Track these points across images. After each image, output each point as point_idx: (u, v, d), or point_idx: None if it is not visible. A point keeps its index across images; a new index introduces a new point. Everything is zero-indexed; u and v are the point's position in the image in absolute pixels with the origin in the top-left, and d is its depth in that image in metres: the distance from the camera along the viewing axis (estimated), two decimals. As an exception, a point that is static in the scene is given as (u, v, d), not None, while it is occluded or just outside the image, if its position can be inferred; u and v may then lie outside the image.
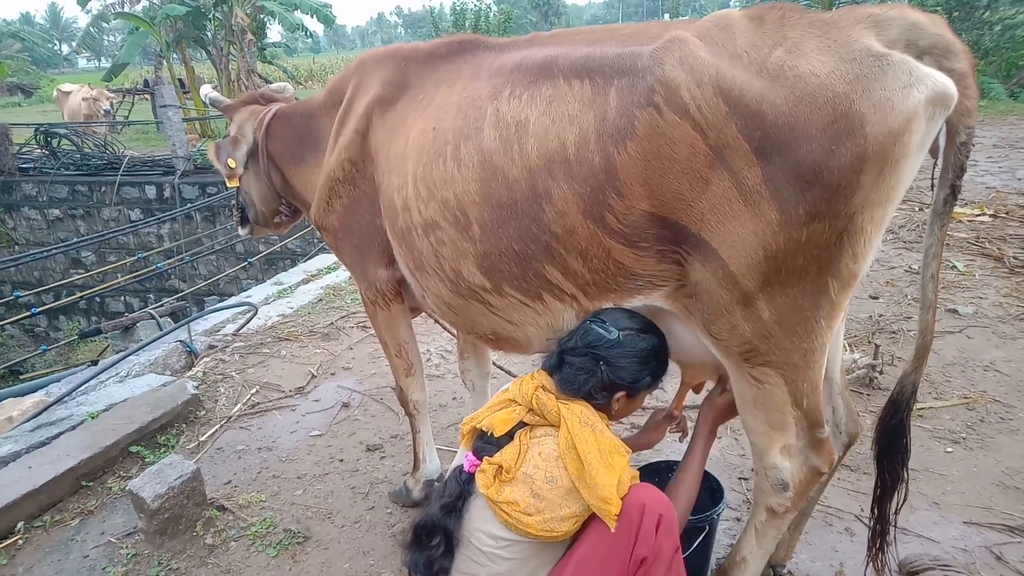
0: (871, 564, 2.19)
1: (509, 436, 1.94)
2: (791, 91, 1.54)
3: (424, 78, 2.41)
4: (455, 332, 3.41)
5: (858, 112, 1.49)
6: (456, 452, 3.46)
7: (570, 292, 2.00)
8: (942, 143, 1.67)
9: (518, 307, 2.13)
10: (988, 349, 4.19)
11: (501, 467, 1.86)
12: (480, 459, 1.92)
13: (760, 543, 2.13)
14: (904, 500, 2.09)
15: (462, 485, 1.93)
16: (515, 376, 3.92)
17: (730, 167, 1.62)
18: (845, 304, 1.75)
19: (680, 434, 2.43)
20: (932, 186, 1.77)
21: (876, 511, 2.14)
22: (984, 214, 6.69)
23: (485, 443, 1.96)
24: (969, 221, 6.53)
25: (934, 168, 1.74)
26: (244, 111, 3.17)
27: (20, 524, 3.01)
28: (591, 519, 1.84)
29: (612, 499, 1.76)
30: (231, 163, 3.05)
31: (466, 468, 1.94)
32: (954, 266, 5.50)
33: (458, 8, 23.62)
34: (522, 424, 1.95)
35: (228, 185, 3.15)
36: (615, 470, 1.81)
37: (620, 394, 1.96)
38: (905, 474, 2.07)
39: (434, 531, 1.91)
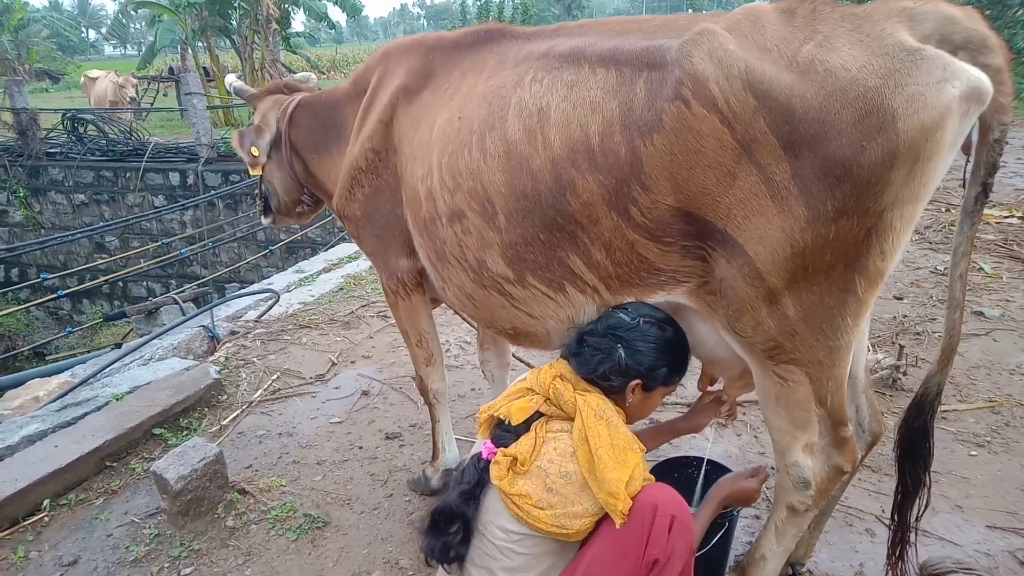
0: (891, 571, 2.16)
1: (526, 425, 1.93)
2: (821, 85, 1.53)
3: (450, 68, 2.41)
4: (474, 322, 3.42)
5: (890, 107, 1.47)
6: (474, 442, 3.49)
7: (592, 284, 1.99)
8: (975, 140, 1.64)
9: (540, 299, 2.12)
10: (1014, 352, 4.13)
11: (516, 459, 1.85)
12: (498, 447, 1.92)
13: (780, 541, 2.12)
14: (926, 507, 2.06)
15: (480, 472, 1.94)
16: (534, 368, 3.93)
17: (758, 162, 1.61)
18: (871, 302, 1.73)
19: (729, 419, 2.40)
20: (962, 185, 1.74)
21: (896, 516, 2.11)
22: (1013, 216, 6.59)
23: (503, 431, 1.96)
24: (997, 223, 6.43)
25: (965, 167, 1.72)
26: (268, 100, 3.20)
27: (46, 502, 3.07)
28: (604, 519, 1.83)
29: (620, 495, 1.75)
30: (254, 151, 3.08)
31: (484, 455, 1.94)
32: (981, 268, 5.41)
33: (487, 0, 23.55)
34: (539, 414, 1.95)
35: (251, 173, 3.18)
36: (627, 466, 1.80)
37: (635, 383, 1.95)
38: (927, 479, 2.04)
39: (453, 517, 1.93)
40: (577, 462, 1.82)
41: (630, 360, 1.92)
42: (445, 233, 2.25)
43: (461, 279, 2.31)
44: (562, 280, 2.03)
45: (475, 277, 2.24)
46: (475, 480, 1.94)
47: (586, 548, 1.87)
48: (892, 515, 2.13)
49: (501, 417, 1.97)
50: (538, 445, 1.88)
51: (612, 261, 1.91)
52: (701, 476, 2.43)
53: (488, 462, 1.93)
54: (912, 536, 2.10)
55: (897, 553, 2.12)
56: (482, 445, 2.00)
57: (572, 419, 1.90)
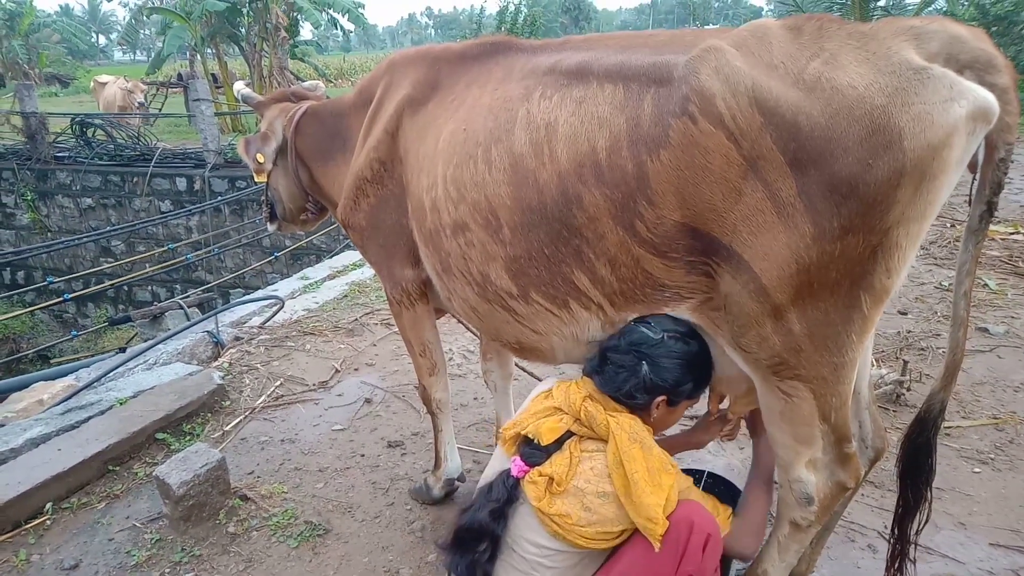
0: None
1: (556, 444, 1.92)
2: (828, 103, 1.53)
3: (455, 79, 2.42)
4: (479, 333, 3.42)
5: (896, 126, 1.47)
6: (477, 452, 3.49)
7: (597, 301, 1.99)
8: (980, 158, 1.65)
9: (544, 315, 2.13)
10: (1019, 369, 4.12)
11: (552, 479, 1.84)
12: (529, 465, 1.91)
13: (782, 556, 2.11)
14: (927, 521, 2.06)
15: (509, 490, 1.92)
16: (538, 378, 3.93)
17: (764, 179, 1.61)
18: (877, 319, 1.73)
19: (729, 438, 2.40)
20: (967, 202, 1.74)
21: (896, 531, 2.11)
22: (1018, 232, 6.59)
23: (533, 449, 1.93)
24: (1003, 239, 6.43)
25: (972, 184, 1.72)
26: (275, 108, 3.22)
27: (48, 505, 3.08)
28: (636, 531, 1.82)
29: (658, 519, 1.75)
30: (260, 158, 3.10)
31: (514, 473, 1.93)
32: (986, 284, 5.40)
33: (504, 8, 23.52)
34: (569, 433, 1.93)
35: (256, 180, 3.21)
36: (663, 489, 1.80)
37: (660, 399, 1.94)
38: (929, 494, 2.03)
39: (482, 535, 1.91)
40: (613, 485, 1.82)
41: (655, 377, 1.91)
42: (450, 245, 2.26)
43: (466, 292, 2.32)
44: (566, 296, 2.03)
45: (479, 291, 2.25)
46: (505, 498, 1.93)
47: (615, 560, 1.87)
48: (892, 529, 2.13)
49: (530, 436, 1.95)
50: (574, 464, 1.87)
51: (617, 277, 1.91)
52: (701, 488, 2.43)
53: (517, 480, 1.92)
54: (912, 551, 2.10)
55: (896, 566, 2.12)
56: (509, 462, 1.98)
57: (605, 439, 1.89)
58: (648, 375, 1.91)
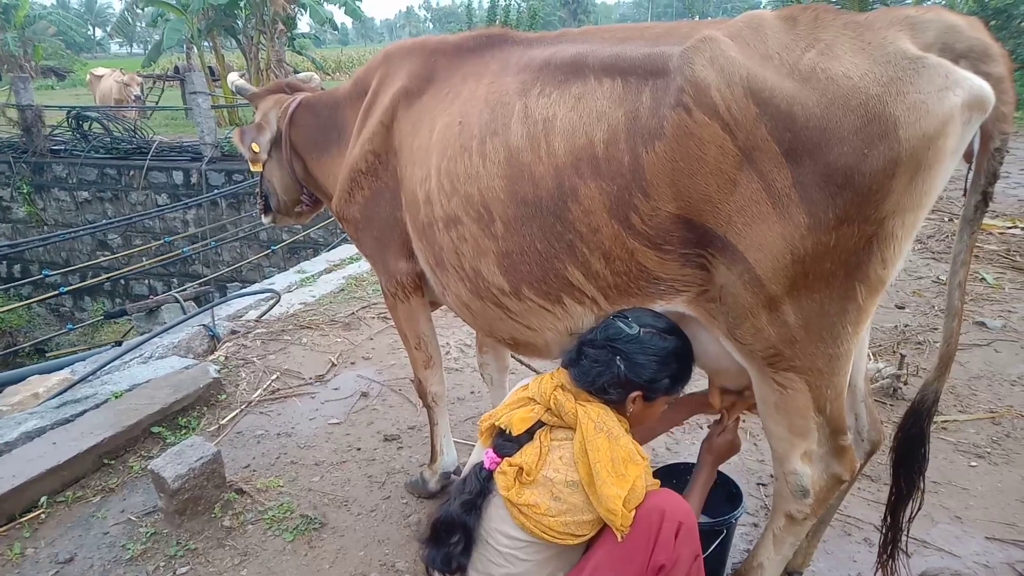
0: (881, 572, 2.16)
1: (529, 435, 1.92)
2: (823, 93, 1.52)
3: (451, 71, 2.41)
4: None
5: (892, 115, 1.46)
6: (473, 446, 3.48)
7: (591, 295, 1.98)
8: (976, 148, 1.64)
9: (537, 311, 2.12)
10: (1016, 363, 4.12)
11: (522, 469, 1.84)
12: (501, 457, 1.91)
13: (778, 549, 2.11)
14: (919, 509, 2.07)
15: (482, 482, 1.92)
16: (535, 371, 3.93)
17: (759, 169, 1.60)
18: (872, 310, 1.72)
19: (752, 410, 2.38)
20: (964, 194, 1.74)
21: (889, 519, 2.11)
22: (1016, 226, 6.58)
23: (505, 441, 1.94)
24: (1000, 233, 6.42)
25: (967, 177, 1.71)
26: (269, 99, 3.20)
27: (43, 499, 3.07)
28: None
29: (617, 511, 1.74)
30: (254, 147, 3.10)
31: (486, 465, 1.93)
32: (983, 278, 5.40)
33: (494, 3, 23.41)
34: (541, 423, 1.93)
35: (251, 170, 3.20)
36: (626, 480, 1.78)
37: (636, 394, 1.93)
38: (921, 483, 2.04)
39: (453, 528, 1.91)
40: (579, 474, 1.82)
41: (629, 373, 1.89)
42: (442, 239, 2.25)
43: (458, 288, 2.31)
44: (559, 292, 2.02)
45: (471, 287, 2.24)
46: (477, 490, 1.93)
47: (591, 552, 1.87)
48: (885, 518, 2.13)
49: (502, 427, 1.96)
50: (543, 454, 1.87)
51: (611, 271, 1.90)
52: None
53: (490, 472, 1.92)
54: (904, 538, 2.11)
55: (888, 552, 2.13)
56: (483, 454, 1.99)
57: (574, 428, 1.89)
58: (622, 371, 1.89)
